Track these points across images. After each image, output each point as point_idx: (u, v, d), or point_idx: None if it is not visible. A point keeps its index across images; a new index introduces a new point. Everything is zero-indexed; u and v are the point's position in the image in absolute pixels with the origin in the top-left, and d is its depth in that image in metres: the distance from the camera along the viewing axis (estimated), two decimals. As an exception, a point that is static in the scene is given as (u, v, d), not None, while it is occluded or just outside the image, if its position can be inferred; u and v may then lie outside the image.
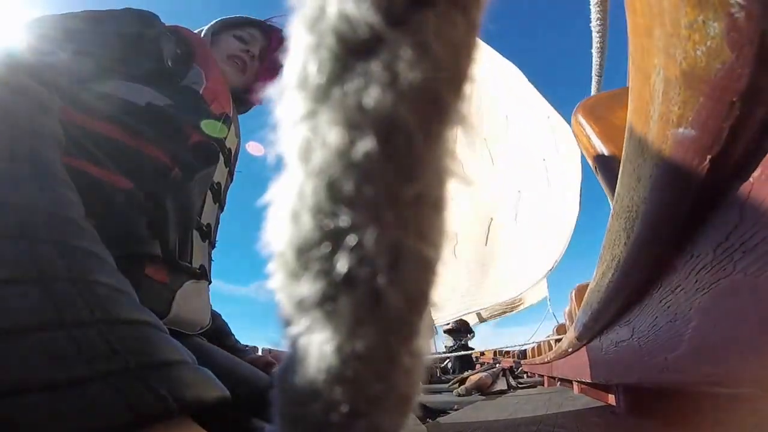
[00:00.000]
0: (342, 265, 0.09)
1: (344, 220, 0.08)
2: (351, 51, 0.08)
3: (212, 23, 0.82)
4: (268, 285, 0.10)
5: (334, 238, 0.09)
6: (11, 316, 0.19)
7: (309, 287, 0.09)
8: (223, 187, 0.67)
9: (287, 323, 0.10)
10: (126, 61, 0.53)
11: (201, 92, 0.62)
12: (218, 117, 0.63)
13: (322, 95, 0.08)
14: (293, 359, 0.10)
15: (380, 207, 0.08)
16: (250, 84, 0.81)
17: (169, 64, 0.58)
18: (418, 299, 0.10)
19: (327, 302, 0.09)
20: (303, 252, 0.09)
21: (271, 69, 0.83)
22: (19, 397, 0.17)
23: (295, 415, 0.10)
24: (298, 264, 0.09)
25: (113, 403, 0.19)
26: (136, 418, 0.19)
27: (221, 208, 0.69)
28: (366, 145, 0.08)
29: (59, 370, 0.19)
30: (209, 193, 0.62)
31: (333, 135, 0.08)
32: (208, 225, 0.62)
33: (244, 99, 0.82)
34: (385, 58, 0.08)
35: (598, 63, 0.92)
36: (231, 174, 0.71)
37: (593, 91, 0.99)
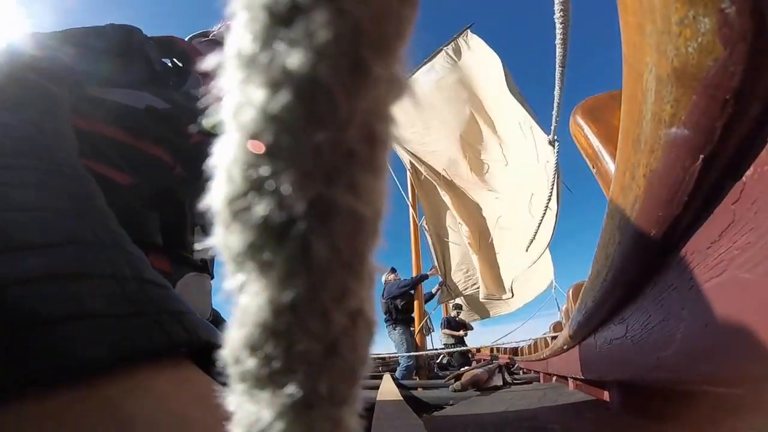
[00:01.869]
0: (260, 209, 0.09)
1: (264, 169, 0.09)
2: (277, 20, 0.09)
3: (220, 27, 0.83)
4: (210, 242, 0.11)
5: (257, 186, 0.09)
6: (75, 266, 0.25)
7: (239, 237, 0.10)
8: None
9: (228, 279, 0.11)
10: (118, 71, 0.56)
11: (200, 97, 0.64)
12: None
13: (252, 62, 0.09)
14: (234, 316, 0.11)
15: (299, 155, 0.09)
16: None
17: (158, 68, 0.61)
18: (350, 256, 0.10)
19: (258, 253, 0.10)
20: (232, 202, 0.10)
21: None
22: (76, 322, 0.22)
23: (238, 372, 0.11)
24: (230, 215, 0.10)
25: (151, 329, 0.24)
26: (170, 344, 0.24)
27: None
28: (284, 99, 0.09)
29: (107, 306, 0.24)
30: None
31: (258, 94, 0.09)
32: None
33: None
34: (304, 22, 0.08)
35: (561, 54, 0.88)
36: None
37: (557, 82, 0.96)
